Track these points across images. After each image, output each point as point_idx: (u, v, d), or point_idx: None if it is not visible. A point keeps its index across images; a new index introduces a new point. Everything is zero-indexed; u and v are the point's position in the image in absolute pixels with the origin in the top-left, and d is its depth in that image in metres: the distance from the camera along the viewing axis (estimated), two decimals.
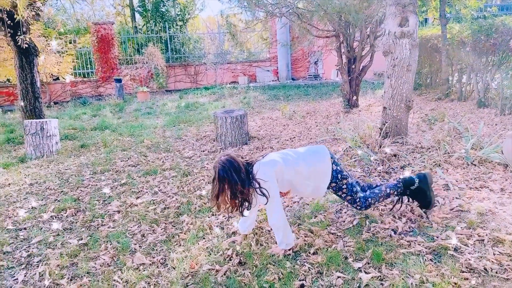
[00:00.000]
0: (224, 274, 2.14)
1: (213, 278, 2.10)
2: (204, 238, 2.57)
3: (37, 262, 2.45)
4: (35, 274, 2.31)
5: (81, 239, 2.72)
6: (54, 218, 3.12)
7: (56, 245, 2.65)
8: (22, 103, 6.27)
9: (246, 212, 2.25)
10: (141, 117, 7.88)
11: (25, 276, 2.30)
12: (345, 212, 2.66)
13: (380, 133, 3.82)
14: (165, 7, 15.64)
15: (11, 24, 5.69)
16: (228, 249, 2.38)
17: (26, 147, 5.22)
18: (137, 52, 12.61)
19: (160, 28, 14.56)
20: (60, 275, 2.27)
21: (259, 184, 2.11)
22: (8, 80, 11.22)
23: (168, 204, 3.21)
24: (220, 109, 7.96)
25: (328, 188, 2.27)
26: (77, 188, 3.82)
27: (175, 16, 15.82)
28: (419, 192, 2.35)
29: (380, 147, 3.58)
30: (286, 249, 2.22)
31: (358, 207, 2.31)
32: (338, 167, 2.24)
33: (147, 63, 10.77)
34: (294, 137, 4.98)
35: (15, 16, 5.60)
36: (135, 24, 16.47)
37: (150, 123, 7.03)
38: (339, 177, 2.22)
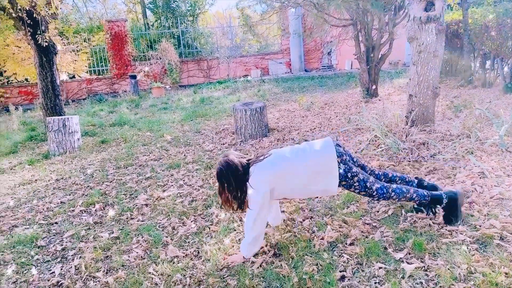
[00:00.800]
0: (260, 265, 2.12)
1: (249, 270, 2.08)
2: (235, 230, 2.55)
3: (71, 255, 2.48)
4: (71, 267, 2.33)
5: (112, 232, 2.74)
6: (83, 212, 3.15)
7: (88, 239, 2.68)
8: (43, 101, 6.36)
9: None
10: (157, 113, 7.92)
11: (61, 269, 2.33)
12: (379, 202, 2.60)
13: (407, 121, 3.72)
14: (176, 2, 15.62)
15: (31, 23, 5.75)
16: None
17: (49, 144, 5.30)
18: (149, 49, 12.66)
19: (171, 24, 14.56)
20: (96, 268, 2.29)
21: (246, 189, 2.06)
22: (27, 79, 11.43)
23: (195, 196, 3.20)
24: (236, 102, 7.93)
25: (339, 186, 2.12)
26: (103, 182, 3.85)
27: (185, 11, 15.79)
28: (446, 210, 2.19)
29: (407, 135, 3.49)
30: (244, 256, 2.12)
31: (376, 198, 2.17)
32: (346, 166, 2.07)
33: (160, 58, 10.79)
34: (315, 128, 4.91)
35: (34, 15, 5.66)
36: (146, 21, 16.51)
37: (167, 118, 7.05)
38: (348, 176, 2.06)
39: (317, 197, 2.86)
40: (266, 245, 2.29)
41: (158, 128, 6.23)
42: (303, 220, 2.53)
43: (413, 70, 3.69)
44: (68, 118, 5.30)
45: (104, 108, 9.16)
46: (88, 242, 2.64)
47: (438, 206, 2.20)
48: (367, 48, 5.93)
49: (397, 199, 2.18)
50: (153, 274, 2.18)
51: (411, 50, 3.70)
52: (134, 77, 10.68)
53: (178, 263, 2.25)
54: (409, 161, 3.18)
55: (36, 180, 4.17)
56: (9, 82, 11.50)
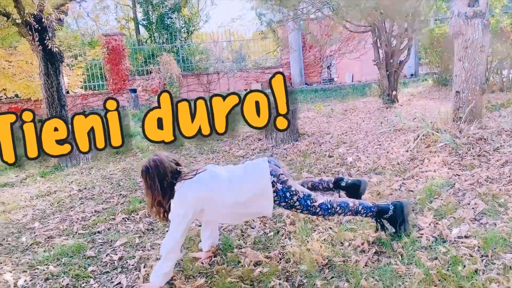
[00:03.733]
0: (366, 265, 1.87)
1: (355, 269, 1.83)
2: (315, 230, 2.29)
3: (132, 265, 2.15)
4: (138, 277, 2.00)
5: None
6: (126, 220, 2.81)
7: (145, 247, 2.35)
8: (48, 112, 5.97)
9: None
10: None
11: (127, 280, 1.99)
12: (467, 195, 2.43)
13: (454, 118, 3.63)
14: (170, 19, 15.59)
15: (39, 28, 5.45)
16: (353, 239, 2.11)
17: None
18: (145, 64, 12.42)
19: (164, 41, 14.45)
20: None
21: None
22: (17, 95, 10.89)
23: None
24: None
25: (279, 207, 1.97)
26: (135, 190, 3.51)
27: (180, 28, 15.77)
28: (393, 220, 2.04)
29: (461, 131, 3.38)
30: (155, 285, 1.82)
31: (321, 216, 2.03)
32: (284, 185, 1.87)
33: (161, 72, 10.56)
34: (346, 132, 4.77)
35: (43, 20, 5.37)
36: (139, 37, 16.35)
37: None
38: (287, 196, 1.88)
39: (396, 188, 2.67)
40: (362, 243, 2.05)
41: None
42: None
43: (459, 66, 3.64)
44: None
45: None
46: (146, 250, 2.31)
47: (386, 216, 2.04)
48: (386, 54, 5.95)
49: (342, 214, 2.01)
50: (240, 280, 1.88)
51: (456, 46, 3.66)
52: (134, 91, 10.36)
53: (264, 267, 1.97)
54: (473, 156, 3.05)
55: (55, 191, 3.78)
56: None
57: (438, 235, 2.01)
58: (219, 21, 25.13)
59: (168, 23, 15.60)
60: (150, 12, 15.85)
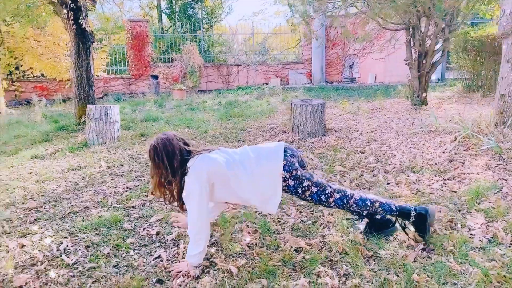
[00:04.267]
0: (415, 260, 1.82)
1: (403, 263, 1.78)
2: (355, 223, 2.24)
3: (170, 240, 2.14)
4: (177, 253, 2.00)
5: None
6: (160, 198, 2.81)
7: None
8: (76, 91, 6.03)
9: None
10: (186, 112, 7.62)
11: (167, 254, 1.98)
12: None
13: (497, 122, 3.51)
14: (193, 9, 15.61)
15: (74, 7, 5.50)
16: (397, 234, 2.05)
17: (87, 133, 4.95)
18: (166, 52, 12.46)
19: (185, 30, 14.49)
20: (210, 253, 1.96)
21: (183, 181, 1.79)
22: (42, 75, 11.07)
23: None
24: (293, 99, 7.73)
25: (294, 196, 1.92)
26: None
27: (202, 18, 15.77)
28: (416, 226, 1.94)
29: (504, 136, 3.27)
30: (193, 264, 1.79)
31: (335, 208, 1.96)
32: (296, 181, 1.84)
33: (183, 60, 10.58)
34: (376, 130, 4.68)
35: None
36: (162, 25, 16.43)
37: (201, 117, 6.76)
38: (299, 192, 1.86)
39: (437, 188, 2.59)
40: (407, 239, 1.99)
41: (196, 125, 5.93)
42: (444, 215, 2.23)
43: (507, 68, 3.51)
44: (110, 107, 4.99)
45: (125, 106, 8.83)
46: (183, 228, 2.29)
47: (407, 221, 1.95)
48: (420, 54, 5.81)
49: (358, 210, 1.95)
50: (282, 263, 1.85)
51: (505, 46, 3.54)
52: (156, 77, 10.41)
53: (307, 254, 1.93)
54: None
55: (84, 166, 3.81)
56: (24, 77, 11.13)
57: (491, 237, 1.93)
58: (240, 14, 25.03)
59: (191, 13, 15.62)
60: (174, 1, 15.90)
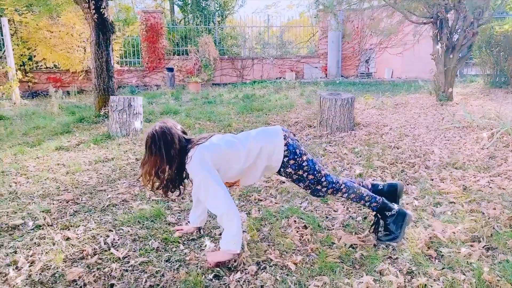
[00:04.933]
0: (479, 258, 1.74)
1: (467, 262, 1.70)
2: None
3: (219, 234, 2.08)
4: None
5: (249, 213, 2.34)
6: None
7: None
8: (96, 82, 5.99)
9: (176, 194, 1.91)
10: (204, 105, 7.55)
11: (215, 245, 1.93)
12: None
13: None
14: (205, 1, 15.46)
15: None
16: (456, 232, 1.97)
17: (110, 124, 4.91)
18: (177, 45, 12.37)
19: (198, 23, 14.36)
20: (263, 248, 1.90)
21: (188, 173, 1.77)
22: (55, 66, 11.06)
23: None
24: (314, 93, 7.63)
25: (286, 168, 1.86)
26: None
27: (214, 11, 15.62)
28: (392, 222, 1.91)
29: None
30: (230, 251, 1.71)
31: (325, 189, 1.90)
32: (294, 142, 1.89)
33: (199, 53, 10.48)
34: (405, 125, 4.57)
35: None
36: (174, 17, 16.31)
37: (221, 110, 6.69)
38: (297, 153, 1.86)
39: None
40: (467, 236, 1.91)
41: (218, 118, 5.86)
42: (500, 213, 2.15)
43: None
44: (133, 98, 4.93)
45: (142, 99, 8.78)
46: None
47: (388, 213, 1.93)
48: (447, 48, 5.66)
49: (346, 194, 1.93)
50: (340, 260, 1.79)
51: None
52: (171, 70, 10.35)
53: (362, 250, 1.86)
54: None
55: (112, 158, 3.77)
56: (37, 68, 11.12)
57: None
58: (253, 7, 24.79)
59: (203, 5, 15.48)
60: None
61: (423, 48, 8.56)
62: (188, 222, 2.14)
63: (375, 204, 1.94)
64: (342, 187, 1.91)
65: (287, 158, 1.84)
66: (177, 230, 2.09)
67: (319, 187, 1.91)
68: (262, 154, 1.84)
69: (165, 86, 10.38)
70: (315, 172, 1.88)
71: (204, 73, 11.01)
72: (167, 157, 1.76)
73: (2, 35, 9.74)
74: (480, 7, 5.19)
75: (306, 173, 1.87)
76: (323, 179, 1.89)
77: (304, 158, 1.87)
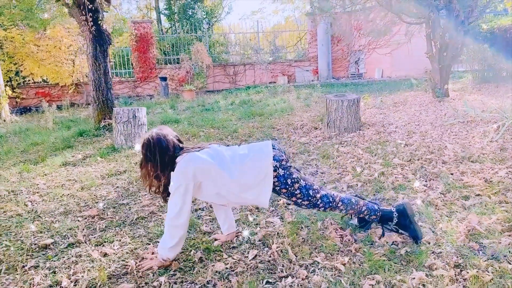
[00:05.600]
0: None
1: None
2: (440, 215, 2.21)
3: (259, 240, 2.07)
4: (273, 252, 1.93)
5: (282, 218, 2.35)
6: None
7: (259, 223, 2.28)
8: (94, 94, 5.89)
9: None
10: (202, 113, 7.53)
11: (263, 254, 1.92)
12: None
13: None
14: (192, 9, 15.47)
15: (92, 8, 5.37)
16: (492, 222, 2.03)
17: (115, 137, 4.83)
18: (166, 54, 12.32)
19: (186, 31, 14.38)
20: (303, 253, 1.90)
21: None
22: (44, 80, 10.83)
23: (350, 182, 2.85)
24: (331, 94, 7.68)
25: (279, 194, 1.88)
26: None
27: (201, 18, 15.65)
28: (400, 225, 1.97)
29: None
30: (164, 257, 1.81)
31: (322, 208, 1.94)
32: (286, 171, 1.84)
33: (192, 61, 10.45)
34: (409, 123, 4.67)
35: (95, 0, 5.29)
36: (161, 27, 16.25)
37: (221, 117, 6.68)
38: (288, 182, 1.83)
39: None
40: (503, 227, 1.97)
41: (220, 125, 5.85)
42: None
43: None
44: (138, 109, 4.88)
45: None
46: (263, 227, 2.23)
47: (390, 223, 1.98)
48: (440, 47, 5.83)
49: (344, 211, 1.97)
50: (386, 258, 1.81)
51: None
52: (164, 79, 10.28)
53: (406, 246, 1.89)
54: None
55: (124, 171, 3.71)
56: (24, 83, 10.85)
57: None
58: (239, 13, 24.93)
59: (191, 13, 15.49)
60: (172, 2, 15.75)
61: (412, 47, 8.79)
62: (221, 232, 2.13)
63: (375, 216, 1.99)
64: (339, 205, 1.94)
65: (278, 188, 1.84)
66: (216, 240, 2.08)
67: (316, 209, 1.95)
68: (247, 192, 1.80)
69: (158, 96, 10.29)
70: (310, 198, 1.88)
71: (197, 81, 10.98)
72: (161, 163, 1.78)
73: None
74: (470, 6, 5.38)
75: (300, 200, 1.88)
76: (319, 202, 1.90)
77: (297, 186, 1.85)
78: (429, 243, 1.92)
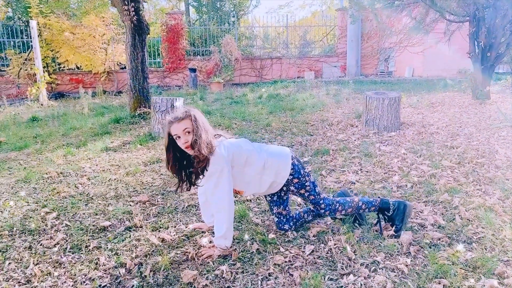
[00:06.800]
0: None
1: None
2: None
3: (313, 236, 2.07)
4: (330, 249, 1.92)
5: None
6: None
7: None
8: (131, 83, 6.01)
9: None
10: (232, 106, 7.55)
11: (321, 249, 1.91)
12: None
13: None
14: (220, 2, 15.47)
15: None
16: None
17: (153, 125, 4.92)
18: (195, 45, 12.39)
19: (213, 23, 14.39)
20: (342, 247, 1.88)
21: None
22: (77, 67, 11.14)
23: (416, 181, 2.79)
24: (371, 91, 7.60)
25: (289, 185, 1.98)
26: None
27: (229, 11, 15.62)
28: (391, 218, 2.07)
29: None
30: (222, 248, 1.85)
31: (323, 210, 2.04)
32: (300, 164, 2.02)
33: (221, 53, 10.48)
34: (450, 124, 4.53)
35: None
36: (189, 18, 16.34)
37: (251, 110, 6.68)
38: (301, 173, 1.98)
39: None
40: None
41: (252, 118, 5.85)
42: None
43: None
44: (176, 99, 4.94)
45: None
46: (314, 223, 2.22)
47: (386, 213, 2.08)
48: (484, 46, 5.60)
49: (343, 211, 2.07)
50: (450, 262, 1.76)
51: None
52: (194, 70, 10.36)
53: (471, 251, 1.84)
54: None
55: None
56: (59, 69, 11.21)
57: None
58: (266, 7, 24.79)
59: (219, 5, 15.49)
60: None
61: (445, 47, 8.49)
62: (202, 221, 2.19)
63: (373, 208, 2.09)
64: (337, 206, 2.05)
65: (291, 177, 1.96)
66: (195, 228, 2.15)
67: (317, 208, 2.04)
68: (271, 168, 1.92)
69: (187, 87, 10.40)
70: (316, 194, 2.02)
71: (225, 73, 11.01)
72: (210, 132, 1.83)
73: (29, 38, 9.82)
74: None
75: (308, 193, 2.00)
76: (321, 201, 2.03)
77: (307, 178, 2.01)
78: (494, 250, 1.86)
